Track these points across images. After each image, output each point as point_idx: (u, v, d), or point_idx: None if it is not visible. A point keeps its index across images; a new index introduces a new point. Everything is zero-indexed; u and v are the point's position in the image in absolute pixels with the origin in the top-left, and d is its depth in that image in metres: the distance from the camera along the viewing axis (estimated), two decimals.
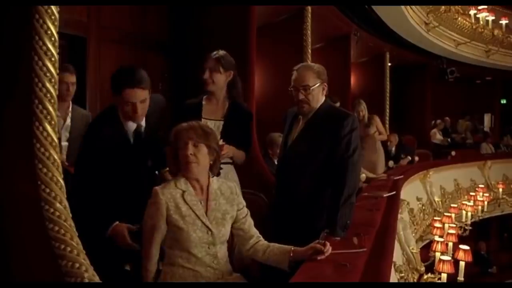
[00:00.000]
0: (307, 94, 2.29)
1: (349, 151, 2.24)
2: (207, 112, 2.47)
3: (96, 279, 1.60)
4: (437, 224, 4.78)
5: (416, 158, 6.93)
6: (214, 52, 2.43)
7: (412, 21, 6.98)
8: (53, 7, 1.58)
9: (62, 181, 1.62)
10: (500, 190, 7.85)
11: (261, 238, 1.96)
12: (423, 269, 3.88)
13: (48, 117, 1.59)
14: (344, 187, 2.20)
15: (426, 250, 4.54)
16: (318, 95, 2.32)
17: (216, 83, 2.43)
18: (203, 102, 2.51)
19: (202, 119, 2.39)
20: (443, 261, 3.76)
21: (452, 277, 3.86)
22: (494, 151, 9.70)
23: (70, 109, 2.91)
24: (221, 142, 2.17)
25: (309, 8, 5.17)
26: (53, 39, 1.59)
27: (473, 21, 8.59)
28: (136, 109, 2.02)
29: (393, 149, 6.40)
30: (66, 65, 2.84)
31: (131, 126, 2.12)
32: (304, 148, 2.32)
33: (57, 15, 1.60)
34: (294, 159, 2.36)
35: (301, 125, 2.38)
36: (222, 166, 2.54)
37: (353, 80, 7.73)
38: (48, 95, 1.59)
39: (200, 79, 2.42)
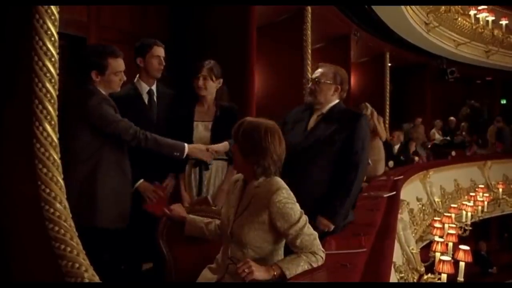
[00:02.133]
0: (315, 86, 2.45)
1: (364, 148, 2.35)
2: (198, 115, 2.74)
3: (96, 279, 1.60)
4: (437, 225, 4.77)
5: (416, 158, 6.94)
6: (207, 62, 2.72)
7: (412, 21, 6.98)
8: (53, 7, 1.58)
9: (62, 181, 1.62)
10: (500, 190, 7.84)
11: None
12: (423, 269, 3.88)
13: (48, 117, 1.59)
14: (356, 177, 2.30)
15: (426, 250, 4.53)
16: (326, 92, 2.43)
17: (208, 89, 2.72)
18: (195, 108, 2.77)
19: (194, 122, 2.71)
20: (443, 261, 3.75)
21: (452, 277, 3.86)
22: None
23: None
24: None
25: (309, 8, 5.17)
26: (53, 39, 1.59)
27: (473, 21, 8.59)
28: (162, 62, 2.70)
29: (397, 147, 6.38)
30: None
31: (144, 88, 2.73)
32: (317, 140, 2.38)
33: (57, 15, 1.60)
34: (306, 151, 2.38)
35: (316, 118, 2.46)
36: (216, 161, 2.67)
37: (353, 80, 7.73)
38: (48, 95, 1.59)
39: (194, 85, 2.71)
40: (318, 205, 2.29)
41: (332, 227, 2.26)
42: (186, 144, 2.42)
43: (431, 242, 4.35)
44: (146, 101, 2.74)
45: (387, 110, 8.15)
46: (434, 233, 4.65)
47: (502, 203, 7.98)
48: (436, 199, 6.32)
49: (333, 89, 2.43)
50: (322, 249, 1.74)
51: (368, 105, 5.35)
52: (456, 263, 3.93)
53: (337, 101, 2.47)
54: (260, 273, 1.60)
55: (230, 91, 2.86)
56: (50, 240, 1.57)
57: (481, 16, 8.66)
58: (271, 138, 1.73)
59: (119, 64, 2.35)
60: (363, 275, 1.74)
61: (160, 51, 2.71)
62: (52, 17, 1.58)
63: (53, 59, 1.60)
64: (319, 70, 2.48)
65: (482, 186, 7.44)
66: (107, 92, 2.37)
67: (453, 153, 8.30)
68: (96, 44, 3.25)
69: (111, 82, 2.34)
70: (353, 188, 2.29)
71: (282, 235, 1.73)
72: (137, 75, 2.77)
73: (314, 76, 2.47)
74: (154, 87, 2.78)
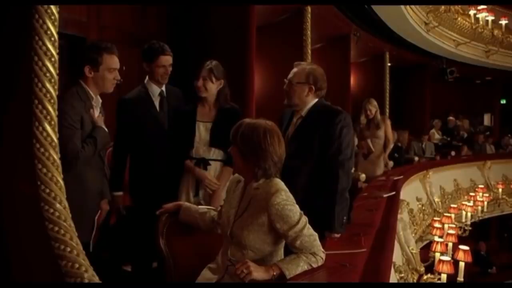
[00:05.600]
0: (289, 87, 2.37)
1: (341, 149, 2.26)
2: (199, 115, 2.68)
3: (96, 279, 1.60)
4: (437, 225, 4.78)
5: (416, 158, 6.94)
6: (208, 62, 2.65)
7: (412, 21, 6.98)
8: (53, 7, 1.58)
9: (62, 181, 1.62)
10: (500, 190, 7.84)
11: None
12: (422, 269, 3.88)
13: (48, 117, 1.59)
14: (337, 184, 2.23)
15: (426, 250, 4.53)
16: (300, 93, 2.36)
17: (208, 90, 2.65)
18: (198, 108, 2.72)
19: (196, 122, 2.65)
20: (443, 261, 3.75)
21: (452, 277, 3.86)
22: (494, 151, 9.70)
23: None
24: None
25: (309, 8, 5.17)
26: (52, 39, 1.59)
27: (473, 21, 8.59)
28: (167, 71, 2.68)
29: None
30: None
31: (155, 90, 2.71)
32: (297, 147, 2.31)
33: (57, 15, 1.60)
34: (289, 159, 2.35)
35: (295, 123, 2.41)
36: (212, 162, 2.64)
37: (353, 80, 7.74)
38: (48, 95, 1.59)
39: (194, 85, 2.65)
40: (308, 213, 2.29)
41: (338, 235, 2.22)
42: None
43: (431, 242, 4.35)
44: (157, 103, 2.71)
45: (387, 110, 8.15)
46: (434, 233, 4.65)
47: (502, 203, 7.98)
48: (436, 199, 6.32)
49: (307, 90, 2.35)
50: (323, 249, 1.74)
51: (373, 101, 5.08)
52: (455, 263, 3.93)
53: (315, 100, 2.38)
54: (259, 273, 1.60)
55: (230, 91, 2.84)
56: (50, 240, 1.57)
57: (481, 16, 8.66)
58: (270, 140, 1.72)
59: (114, 61, 2.25)
60: (363, 275, 1.74)
61: (166, 60, 2.66)
62: (52, 17, 1.58)
63: (53, 59, 1.60)
64: (293, 70, 2.41)
65: (482, 186, 7.45)
66: (97, 93, 2.26)
67: (453, 153, 8.31)
68: (94, 40, 3.21)
69: (105, 80, 2.22)
70: (337, 195, 2.22)
71: (282, 236, 1.73)
72: (147, 77, 2.74)
73: (288, 77, 2.39)
74: (164, 88, 2.76)
